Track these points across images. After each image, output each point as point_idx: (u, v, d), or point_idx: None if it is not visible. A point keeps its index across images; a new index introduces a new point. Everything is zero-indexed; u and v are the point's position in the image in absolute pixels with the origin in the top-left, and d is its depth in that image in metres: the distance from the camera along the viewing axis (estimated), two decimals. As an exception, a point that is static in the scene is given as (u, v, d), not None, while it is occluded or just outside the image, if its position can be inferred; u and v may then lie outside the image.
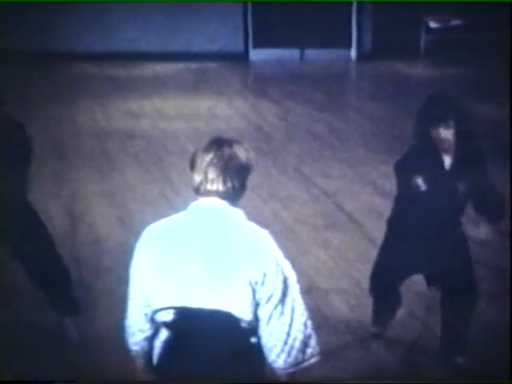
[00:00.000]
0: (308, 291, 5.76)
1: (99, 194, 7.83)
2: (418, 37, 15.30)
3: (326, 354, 4.85)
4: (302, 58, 15.16)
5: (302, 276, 5.85)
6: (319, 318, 5.37)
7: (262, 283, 2.98)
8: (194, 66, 14.28)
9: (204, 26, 14.82)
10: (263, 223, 7.38)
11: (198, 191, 3.09)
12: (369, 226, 7.01)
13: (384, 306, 5.11)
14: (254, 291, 2.99)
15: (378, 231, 6.82)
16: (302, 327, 3.06)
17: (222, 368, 3.03)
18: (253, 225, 3.12)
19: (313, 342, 3.11)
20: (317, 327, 5.17)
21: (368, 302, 5.59)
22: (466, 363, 4.82)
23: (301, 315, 3.07)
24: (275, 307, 3.01)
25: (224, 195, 3.08)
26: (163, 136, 9.85)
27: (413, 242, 4.59)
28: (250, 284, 2.98)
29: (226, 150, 3.08)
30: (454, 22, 15.19)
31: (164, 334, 3.11)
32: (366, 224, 7.05)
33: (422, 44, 15.27)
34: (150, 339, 3.18)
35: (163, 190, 7.78)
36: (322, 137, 9.91)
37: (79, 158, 8.99)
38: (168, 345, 3.10)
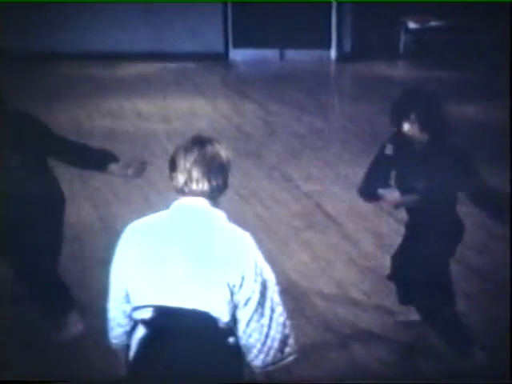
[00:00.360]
0: (288, 291, 5.80)
1: (80, 194, 7.82)
2: (397, 37, 15.37)
3: (306, 353, 4.95)
4: (281, 59, 15.20)
5: (282, 276, 5.94)
6: (299, 318, 5.42)
7: (240, 286, 3.01)
8: (174, 66, 14.29)
9: (184, 26, 14.83)
10: (244, 223, 7.40)
11: (183, 191, 3.10)
12: (349, 226, 7.06)
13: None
14: (232, 293, 3.01)
15: (358, 232, 6.91)
16: (280, 327, 3.10)
17: (199, 367, 3.06)
18: (234, 227, 3.14)
19: (291, 340, 3.15)
20: (297, 327, 5.25)
21: (348, 301, 5.64)
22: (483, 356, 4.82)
23: (280, 315, 3.10)
24: (255, 310, 3.04)
25: (208, 194, 3.10)
26: (144, 136, 9.86)
27: None
28: (228, 286, 3.00)
29: (209, 149, 3.10)
30: (433, 23, 15.27)
31: (141, 331, 3.13)
32: (346, 225, 7.10)
33: (402, 45, 15.35)
34: (129, 334, 3.20)
35: (144, 190, 7.79)
36: (302, 137, 9.95)
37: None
38: (144, 342, 3.12)
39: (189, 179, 3.08)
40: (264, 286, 3.05)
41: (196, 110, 11.33)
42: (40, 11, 14.33)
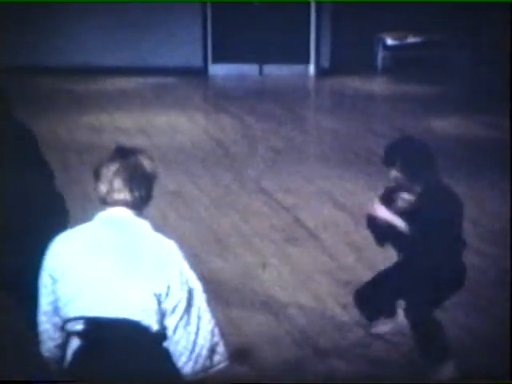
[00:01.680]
0: (267, 304, 5.82)
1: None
2: (375, 53, 15.48)
3: (285, 366, 4.97)
4: (261, 74, 15.26)
5: (260, 289, 5.97)
6: (278, 331, 5.43)
7: (167, 295, 3.04)
8: (153, 80, 14.31)
9: (164, 41, 14.86)
10: (223, 236, 7.45)
11: (105, 201, 3.12)
12: (327, 240, 7.09)
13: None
14: (159, 302, 3.04)
15: (337, 245, 6.94)
16: (208, 335, 3.13)
17: (135, 374, 3.07)
18: (159, 236, 3.15)
19: (220, 348, 3.18)
20: (275, 340, 5.27)
21: (326, 315, 5.66)
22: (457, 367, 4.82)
23: (208, 323, 3.13)
24: (181, 317, 3.07)
25: (131, 204, 3.11)
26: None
27: None
28: (155, 295, 3.03)
29: (131, 160, 3.12)
30: (411, 40, 15.40)
31: (75, 342, 3.14)
32: (324, 238, 7.12)
33: (380, 60, 15.46)
34: (61, 347, 3.21)
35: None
36: (281, 151, 9.99)
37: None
38: (79, 353, 3.13)
39: (111, 189, 3.10)
40: (190, 294, 3.08)
41: (175, 124, 11.35)
42: (19, 25, 14.32)
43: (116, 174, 3.09)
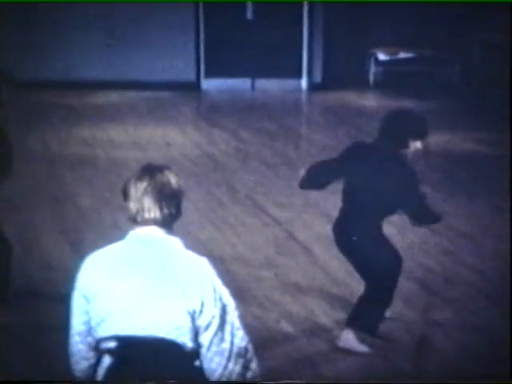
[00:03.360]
0: (260, 318, 5.83)
1: (51, 220, 7.82)
2: (367, 68, 15.55)
3: (278, 380, 4.98)
4: (253, 88, 15.31)
5: (253, 303, 5.99)
6: (270, 344, 5.45)
7: (201, 312, 3.04)
8: (146, 94, 14.34)
9: (156, 56, 14.90)
10: (215, 250, 7.46)
11: (135, 220, 3.12)
12: (320, 254, 7.11)
13: None
14: (192, 320, 3.04)
15: (329, 259, 6.96)
16: (242, 352, 3.13)
17: None
18: (191, 253, 3.15)
19: (253, 365, 3.18)
20: (269, 354, 5.28)
21: (319, 329, 5.68)
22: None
23: (241, 340, 3.13)
24: (215, 334, 3.06)
25: (161, 222, 3.11)
26: (116, 164, 9.87)
27: None
28: (189, 313, 3.03)
29: (159, 177, 3.12)
30: (403, 55, 15.48)
31: (107, 360, 3.14)
32: (317, 252, 7.15)
33: (372, 75, 15.53)
34: (94, 366, 3.20)
35: (116, 217, 7.80)
36: (273, 165, 10.02)
37: (31, 184, 8.96)
38: (111, 371, 3.13)
39: (140, 208, 3.10)
40: (224, 311, 3.08)
41: (168, 138, 11.38)
42: (12, 39, 14.34)
43: (145, 192, 3.09)
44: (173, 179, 3.16)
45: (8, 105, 5.55)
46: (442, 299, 6.02)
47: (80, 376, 3.27)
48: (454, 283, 6.36)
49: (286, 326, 5.74)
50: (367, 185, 5.13)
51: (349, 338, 5.31)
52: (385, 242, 5.24)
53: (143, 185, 3.10)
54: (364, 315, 5.24)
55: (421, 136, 5.23)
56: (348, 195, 5.30)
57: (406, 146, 5.17)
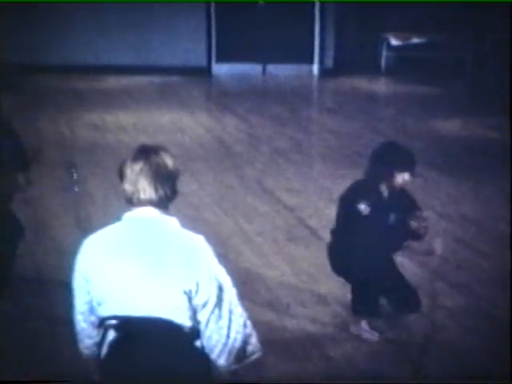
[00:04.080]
0: (270, 304, 5.82)
1: (62, 205, 7.82)
2: (379, 54, 15.48)
3: (289, 366, 4.98)
4: (264, 73, 15.26)
5: (263, 288, 5.97)
6: (281, 331, 5.44)
7: (196, 292, 3.06)
8: (157, 79, 14.31)
9: (168, 41, 14.87)
10: (225, 236, 7.45)
11: (131, 201, 3.12)
12: (330, 239, 7.07)
13: None
14: (189, 299, 3.06)
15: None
16: (241, 328, 3.15)
17: (168, 371, 3.10)
18: (187, 232, 3.16)
19: (253, 339, 3.21)
20: (279, 340, 5.27)
21: (328, 315, 5.67)
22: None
23: (239, 316, 3.15)
24: (212, 312, 3.09)
25: (157, 203, 3.12)
26: (126, 149, 9.84)
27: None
28: (185, 293, 3.05)
29: (154, 158, 3.12)
30: (415, 40, 15.39)
31: (111, 334, 3.16)
32: (327, 238, 7.11)
33: (383, 61, 15.45)
34: (99, 344, 3.22)
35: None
36: (284, 151, 9.99)
37: (42, 169, 8.95)
38: (115, 346, 3.15)
39: (136, 189, 3.10)
40: (220, 289, 3.09)
41: (178, 123, 11.36)
42: (22, 24, 14.33)
43: (140, 173, 3.10)
44: (168, 160, 3.16)
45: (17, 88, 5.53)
46: (452, 286, 6.00)
47: (87, 353, 3.33)
48: (464, 270, 6.34)
49: (297, 312, 5.73)
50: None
51: (359, 325, 5.33)
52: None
53: (139, 166, 3.10)
54: (361, 300, 5.30)
55: (407, 168, 5.15)
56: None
57: (392, 177, 5.15)
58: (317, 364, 5.08)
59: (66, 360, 4.85)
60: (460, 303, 5.30)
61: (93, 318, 3.22)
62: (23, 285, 5.83)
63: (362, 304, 5.30)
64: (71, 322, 3.33)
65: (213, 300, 3.08)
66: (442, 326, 5.44)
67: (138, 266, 3.07)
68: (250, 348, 3.19)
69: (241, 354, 3.17)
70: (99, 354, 3.23)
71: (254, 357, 3.23)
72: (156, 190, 3.11)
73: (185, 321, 3.09)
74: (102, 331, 3.19)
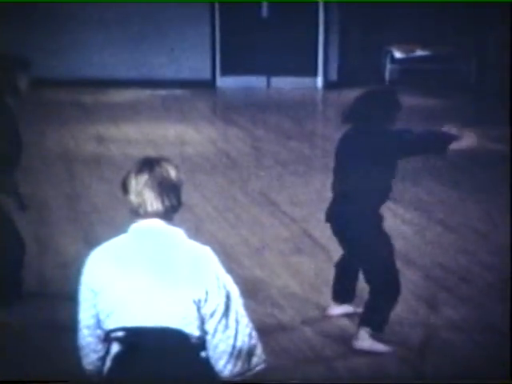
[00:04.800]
0: (275, 316, 5.82)
1: (66, 217, 7.84)
2: (383, 66, 15.51)
3: (291, 376, 4.98)
4: (268, 86, 15.29)
5: (268, 301, 5.97)
6: (287, 343, 5.44)
7: (205, 300, 3.07)
8: (162, 92, 14.36)
9: (172, 54, 14.92)
10: (229, 247, 7.45)
11: (138, 213, 3.13)
12: (335, 251, 7.07)
13: None
14: (198, 308, 3.07)
15: (344, 257, 6.93)
16: (247, 338, 3.15)
17: (173, 381, 3.10)
18: (193, 243, 3.17)
19: (258, 351, 3.20)
20: (284, 351, 5.28)
21: (333, 328, 5.67)
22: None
23: (245, 327, 3.15)
24: (219, 321, 3.09)
25: (163, 215, 3.13)
26: (131, 161, 9.85)
27: None
28: (194, 302, 3.06)
29: (158, 170, 3.12)
30: (419, 53, 15.43)
31: (115, 348, 3.16)
32: (332, 250, 7.12)
33: (387, 73, 15.49)
34: (103, 358, 3.23)
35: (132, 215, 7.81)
36: (288, 163, 10.01)
37: (47, 181, 8.99)
38: (119, 359, 3.15)
39: (142, 201, 3.11)
40: (228, 298, 3.10)
41: (183, 136, 11.38)
42: (26, 38, 14.38)
43: (145, 185, 3.10)
44: (172, 171, 3.17)
45: (25, 94, 5.55)
46: (456, 297, 6.00)
47: (90, 369, 3.31)
48: (468, 281, 6.34)
49: (302, 325, 5.73)
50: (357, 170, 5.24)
51: (364, 339, 5.28)
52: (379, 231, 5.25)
53: (144, 178, 3.11)
54: (372, 313, 5.24)
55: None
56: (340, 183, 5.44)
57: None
58: (319, 373, 5.09)
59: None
60: (462, 313, 5.30)
61: (98, 332, 3.21)
62: (28, 298, 5.83)
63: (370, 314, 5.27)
64: (74, 329, 3.32)
65: (221, 309, 3.08)
66: (443, 336, 5.44)
67: (145, 277, 3.08)
68: (254, 359, 3.19)
69: (245, 365, 3.17)
70: (102, 369, 3.23)
71: (259, 368, 3.22)
72: (162, 201, 3.11)
73: (193, 330, 3.09)
74: (106, 345, 3.20)
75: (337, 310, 5.76)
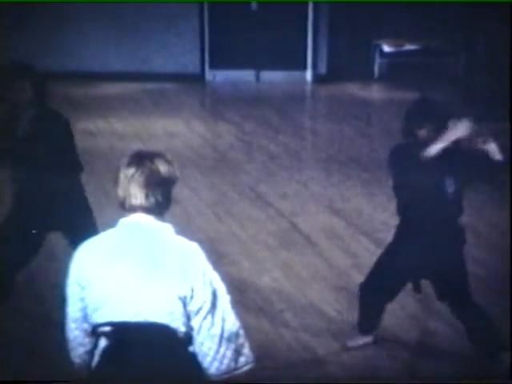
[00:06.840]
0: (263, 310, 5.83)
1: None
2: (372, 60, 15.51)
3: (281, 371, 4.98)
4: (257, 80, 15.28)
5: (257, 295, 5.98)
6: (274, 337, 5.45)
7: (191, 297, 3.07)
8: (150, 86, 14.32)
9: (161, 47, 14.88)
10: (219, 242, 7.45)
11: (124, 206, 3.14)
12: (324, 245, 7.10)
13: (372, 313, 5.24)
14: (184, 305, 3.07)
15: (333, 251, 6.96)
16: (233, 337, 3.15)
17: (161, 377, 3.10)
18: (181, 239, 3.17)
19: (246, 350, 3.20)
20: (272, 345, 5.28)
21: (322, 322, 5.67)
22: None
23: (232, 325, 3.15)
24: (204, 318, 3.09)
25: (148, 210, 3.12)
26: (120, 155, 9.84)
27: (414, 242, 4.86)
28: (180, 299, 3.06)
29: (147, 165, 3.12)
30: (408, 47, 15.44)
31: (103, 342, 3.17)
32: (321, 244, 7.14)
33: (376, 67, 15.49)
34: (91, 352, 3.24)
35: (119, 209, 7.80)
36: (278, 157, 10.00)
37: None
38: (107, 354, 3.16)
39: (127, 194, 3.11)
40: (214, 296, 3.10)
41: (172, 129, 11.36)
42: (14, 31, 14.32)
43: (132, 179, 3.11)
44: (162, 167, 3.16)
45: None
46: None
47: (78, 362, 3.32)
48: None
49: (291, 318, 5.73)
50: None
51: (358, 338, 5.30)
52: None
53: (131, 171, 3.11)
54: (366, 317, 5.23)
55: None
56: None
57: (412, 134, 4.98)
58: (309, 368, 5.09)
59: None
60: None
61: (85, 326, 3.21)
62: (17, 290, 5.83)
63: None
64: (62, 324, 3.32)
65: (207, 306, 3.08)
66: (443, 336, 5.44)
67: (132, 271, 3.07)
68: (242, 358, 3.19)
69: (232, 364, 3.16)
70: (90, 363, 3.24)
71: (246, 368, 3.21)
72: (147, 196, 3.11)
73: (179, 326, 3.09)
74: (93, 339, 3.20)
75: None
